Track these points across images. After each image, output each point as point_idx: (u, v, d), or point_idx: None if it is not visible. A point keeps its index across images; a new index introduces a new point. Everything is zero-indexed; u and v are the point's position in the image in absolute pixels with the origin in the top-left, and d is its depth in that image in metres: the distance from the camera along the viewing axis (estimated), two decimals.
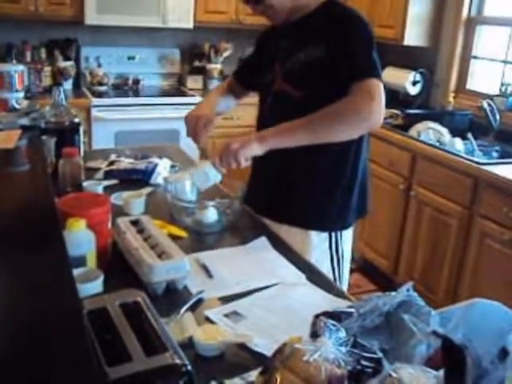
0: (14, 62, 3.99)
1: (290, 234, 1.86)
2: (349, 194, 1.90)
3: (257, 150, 1.68)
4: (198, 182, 1.84)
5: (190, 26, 4.50)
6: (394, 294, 1.13)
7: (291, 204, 1.91)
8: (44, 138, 1.88)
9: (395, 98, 4.20)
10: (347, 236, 1.96)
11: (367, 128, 1.73)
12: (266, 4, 1.77)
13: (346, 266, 1.98)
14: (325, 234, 1.90)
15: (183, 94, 4.64)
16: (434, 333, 1.03)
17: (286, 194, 1.91)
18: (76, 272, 1.28)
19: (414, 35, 4.11)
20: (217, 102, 2.16)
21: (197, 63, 4.91)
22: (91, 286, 1.30)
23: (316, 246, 1.88)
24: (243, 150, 1.66)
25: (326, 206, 1.90)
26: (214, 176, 1.76)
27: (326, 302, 1.43)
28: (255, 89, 2.09)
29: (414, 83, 4.21)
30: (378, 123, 1.68)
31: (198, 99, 4.43)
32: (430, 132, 3.63)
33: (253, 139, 1.68)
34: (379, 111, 1.66)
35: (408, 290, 1.14)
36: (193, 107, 4.36)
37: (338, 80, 1.70)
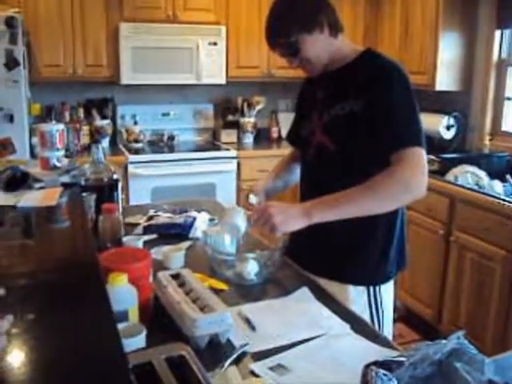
0: (54, 122, 4.11)
1: (328, 287, 1.82)
2: (387, 246, 1.86)
3: (300, 225, 1.65)
4: (229, 234, 1.85)
5: (223, 81, 4.60)
6: (444, 341, 1.10)
7: (329, 258, 1.89)
8: (84, 194, 1.91)
9: (430, 143, 4.17)
10: (387, 289, 1.91)
11: (413, 200, 1.71)
12: (303, 57, 1.77)
13: (387, 318, 1.92)
14: (362, 288, 1.87)
15: (218, 149, 4.70)
16: (490, 382, 0.99)
17: (324, 248, 1.88)
18: (119, 327, 1.27)
19: (445, 80, 4.12)
20: (271, 177, 2.13)
21: (230, 117, 4.99)
22: (134, 341, 1.29)
23: (354, 299, 1.84)
24: (284, 226, 1.64)
25: (363, 260, 1.86)
26: (244, 227, 1.77)
27: (372, 352, 1.39)
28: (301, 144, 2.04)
29: (449, 127, 4.19)
30: (423, 195, 1.67)
31: (232, 153, 4.49)
32: (468, 176, 3.59)
33: (298, 214, 1.64)
34: (425, 183, 1.65)
35: (459, 338, 1.11)
36: (227, 161, 4.45)
37: (376, 141, 1.70)
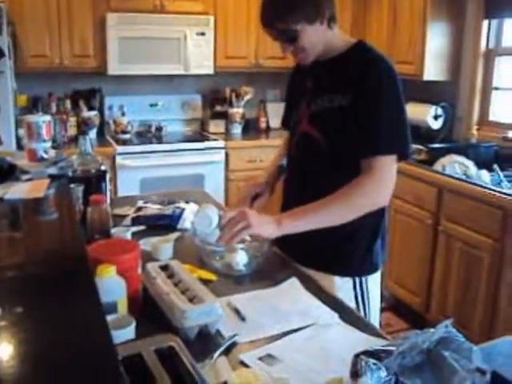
0: (41, 113, 4.08)
1: (315, 277, 1.83)
2: (372, 242, 1.88)
3: (271, 230, 1.68)
4: (199, 226, 1.84)
5: (211, 71, 4.58)
6: (432, 330, 1.10)
7: (316, 250, 1.89)
8: (72, 186, 1.90)
9: (418, 133, 4.19)
10: (374, 280, 1.91)
11: (376, 209, 1.79)
12: (298, 46, 1.74)
13: (374, 309, 1.93)
14: (348, 278, 1.87)
15: (206, 139, 4.68)
16: (478, 369, 1.00)
17: (312, 240, 1.87)
18: (108, 319, 1.27)
19: (433, 70, 4.13)
20: (272, 169, 2.17)
21: (218, 108, 4.97)
22: (123, 333, 1.29)
23: (340, 289, 1.85)
24: (258, 227, 1.66)
25: (348, 254, 1.87)
26: (216, 220, 1.77)
27: (361, 341, 1.40)
28: None
29: (436, 117, 4.20)
30: (387, 203, 1.78)
31: (220, 143, 4.48)
32: (456, 165, 3.60)
33: (272, 220, 1.68)
34: (389, 195, 1.75)
35: (447, 327, 1.11)
36: (215, 152, 4.45)
37: (359, 136, 1.72)
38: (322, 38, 1.75)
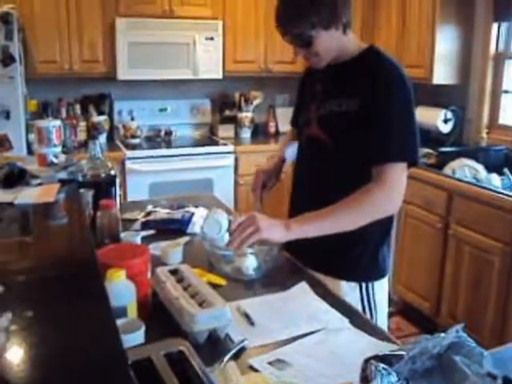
0: (51, 118, 4.10)
1: (323, 282, 1.83)
2: (381, 244, 1.88)
3: (281, 234, 1.68)
4: (208, 231, 1.84)
5: (220, 76, 4.59)
6: (443, 335, 1.10)
7: (324, 254, 1.88)
8: (82, 190, 1.90)
9: (427, 136, 4.17)
10: (381, 286, 1.91)
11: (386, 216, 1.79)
12: (312, 51, 1.74)
13: (381, 315, 1.92)
14: (354, 284, 1.87)
15: (215, 144, 4.69)
16: (489, 374, 0.99)
17: (320, 244, 1.85)
18: (117, 323, 1.27)
19: (443, 73, 4.11)
20: (280, 155, 2.16)
21: (227, 112, 4.98)
22: (133, 337, 1.29)
23: (346, 292, 1.85)
24: (267, 231, 1.65)
25: (357, 257, 1.87)
26: (225, 225, 1.77)
27: (371, 346, 1.39)
28: None
29: (446, 121, 4.18)
30: (397, 211, 1.79)
31: (229, 148, 4.48)
32: (466, 169, 3.59)
33: (281, 224, 1.67)
34: (400, 203, 1.74)
35: (457, 331, 1.11)
36: (224, 156, 4.44)
37: (367, 140, 1.71)
38: (336, 42, 1.74)
